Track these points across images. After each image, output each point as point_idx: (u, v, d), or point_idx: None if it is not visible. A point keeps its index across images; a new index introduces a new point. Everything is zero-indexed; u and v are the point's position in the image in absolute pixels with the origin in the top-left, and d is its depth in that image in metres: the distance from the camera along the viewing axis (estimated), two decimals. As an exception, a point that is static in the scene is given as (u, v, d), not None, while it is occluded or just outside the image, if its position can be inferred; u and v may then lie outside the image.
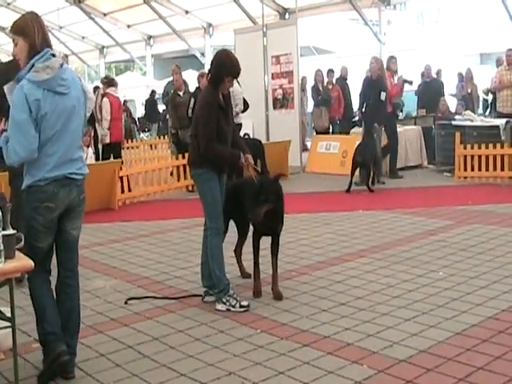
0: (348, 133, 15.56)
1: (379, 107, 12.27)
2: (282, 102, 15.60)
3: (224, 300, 5.53)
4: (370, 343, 4.60)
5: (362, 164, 11.76)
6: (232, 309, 5.46)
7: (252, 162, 5.90)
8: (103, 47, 31.93)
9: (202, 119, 5.53)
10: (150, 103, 24.79)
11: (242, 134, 12.84)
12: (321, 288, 5.97)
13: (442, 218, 8.94)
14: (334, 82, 17.33)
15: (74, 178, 4.25)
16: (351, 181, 11.65)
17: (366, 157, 11.61)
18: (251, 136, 13.64)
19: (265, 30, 15.95)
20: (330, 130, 17.31)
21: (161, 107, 23.90)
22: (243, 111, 12.74)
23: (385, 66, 13.15)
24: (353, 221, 9.02)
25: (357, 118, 17.41)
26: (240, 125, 12.68)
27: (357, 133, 14.94)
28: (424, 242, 7.57)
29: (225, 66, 5.56)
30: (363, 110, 12.88)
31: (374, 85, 12.42)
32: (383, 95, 12.14)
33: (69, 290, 4.41)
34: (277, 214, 5.76)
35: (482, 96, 19.64)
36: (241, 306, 5.47)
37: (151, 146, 18.59)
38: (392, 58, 13.83)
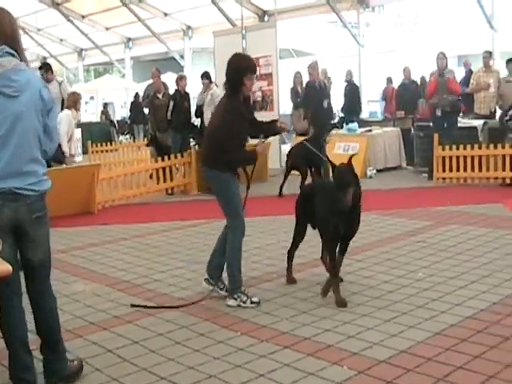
0: (327, 134, 15.56)
1: (322, 114, 12.08)
2: (261, 104, 15.61)
3: (235, 296, 5.61)
4: (351, 344, 4.61)
5: (292, 167, 11.76)
6: (243, 304, 5.56)
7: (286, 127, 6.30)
8: (82, 50, 31.85)
9: (225, 128, 5.54)
10: (136, 105, 24.67)
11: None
12: (301, 290, 5.98)
13: (421, 218, 8.98)
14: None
15: (23, 193, 3.83)
16: (282, 185, 11.58)
17: (297, 160, 11.62)
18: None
19: (244, 32, 15.97)
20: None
21: (146, 109, 23.85)
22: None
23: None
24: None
25: (336, 120, 17.53)
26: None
27: (336, 135, 14.99)
28: (403, 242, 7.60)
29: (240, 67, 5.57)
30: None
31: (315, 90, 12.27)
32: (325, 102, 11.96)
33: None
34: (356, 209, 5.52)
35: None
36: (252, 302, 5.56)
37: (139, 147, 18.44)
38: None
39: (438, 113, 12.80)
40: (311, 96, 13.62)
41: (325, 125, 12.42)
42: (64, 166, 10.71)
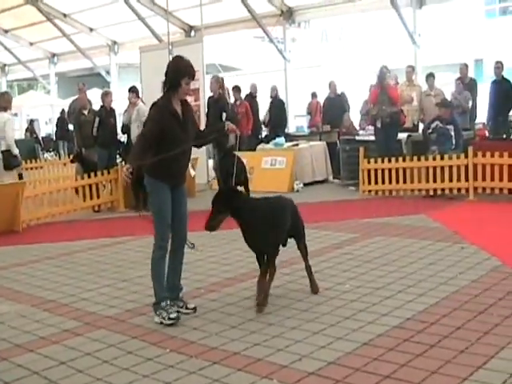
0: (254, 149, 15.64)
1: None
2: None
3: (157, 312, 5.54)
4: (280, 357, 4.63)
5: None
6: (164, 321, 5.47)
7: (234, 128, 6.02)
8: (5, 65, 31.20)
9: (150, 123, 5.53)
10: (61, 122, 24.24)
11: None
12: (229, 305, 5.98)
13: (348, 231, 9.12)
14: (243, 98, 17.38)
15: None
16: None
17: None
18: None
19: (170, 47, 15.93)
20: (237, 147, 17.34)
21: (71, 126, 23.49)
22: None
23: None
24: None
25: (264, 135, 17.65)
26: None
27: (263, 149, 15.12)
28: (330, 255, 7.70)
29: (179, 69, 5.56)
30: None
31: (215, 104, 12.22)
32: (224, 115, 11.86)
33: None
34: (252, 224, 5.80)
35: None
36: (169, 319, 5.46)
37: (64, 164, 18.13)
38: None
39: (378, 124, 13.02)
40: (209, 108, 13.74)
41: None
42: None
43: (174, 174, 5.62)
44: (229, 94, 15.39)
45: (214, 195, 5.68)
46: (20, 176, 11.87)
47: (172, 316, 5.47)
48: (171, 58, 5.87)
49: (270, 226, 5.71)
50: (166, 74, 5.60)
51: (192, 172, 12.78)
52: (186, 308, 5.74)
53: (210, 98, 13.32)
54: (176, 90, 5.53)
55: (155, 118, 5.46)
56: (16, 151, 10.95)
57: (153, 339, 5.18)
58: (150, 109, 5.67)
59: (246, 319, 5.52)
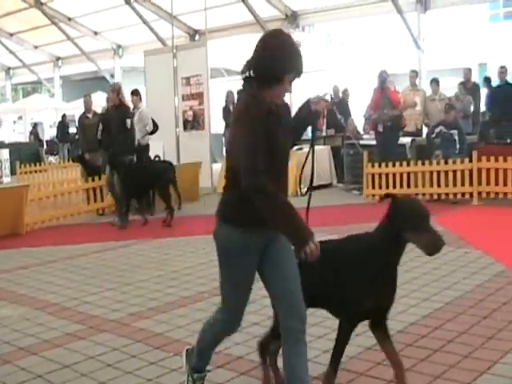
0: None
1: (125, 135, 11.38)
2: (192, 123, 15.60)
3: (188, 373, 4.11)
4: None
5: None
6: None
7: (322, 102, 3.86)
8: (9, 68, 31.28)
9: (242, 142, 3.38)
10: (62, 125, 24.34)
11: (152, 156, 12.78)
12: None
13: (352, 235, 9.07)
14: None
15: None
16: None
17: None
18: (162, 158, 13.57)
19: (175, 51, 15.98)
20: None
21: (71, 129, 23.56)
22: (152, 133, 12.70)
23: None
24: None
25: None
26: (147, 146, 12.60)
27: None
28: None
29: (287, 59, 3.45)
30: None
31: (116, 112, 11.73)
32: (128, 122, 11.53)
33: None
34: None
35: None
36: None
37: (65, 167, 18.17)
38: None
39: (380, 128, 13.02)
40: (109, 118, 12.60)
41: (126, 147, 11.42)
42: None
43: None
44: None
45: None
46: None
47: None
48: (270, 34, 3.62)
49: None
50: (261, 58, 3.48)
51: None
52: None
53: (110, 107, 12.48)
54: (271, 87, 3.47)
55: (257, 135, 3.34)
56: None
57: (156, 343, 5.17)
58: (235, 108, 3.66)
59: (250, 323, 5.48)
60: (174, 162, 13.71)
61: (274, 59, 3.43)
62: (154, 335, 5.38)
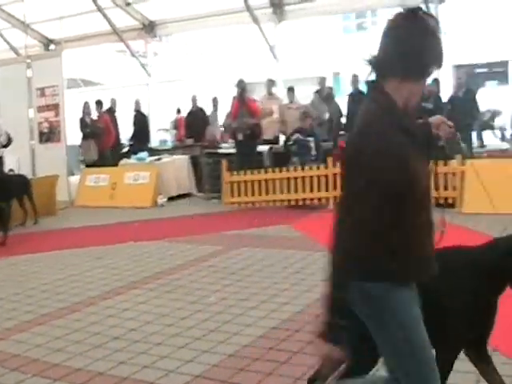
0: (117, 165, 15.47)
1: None
2: (48, 135, 15.19)
3: None
4: (146, 375, 4.57)
5: None
6: None
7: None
8: None
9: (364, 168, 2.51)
10: None
11: (6, 169, 12.34)
12: (93, 324, 5.84)
13: (212, 243, 9.16)
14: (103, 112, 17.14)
15: None
16: None
17: None
18: (16, 171, 13.11)
19: (29, 61, 15.51)
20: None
21: None
22: (5, 146, 12.24)
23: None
24: (124, 253, 8.97)
25: (126, 150, 17.52)
26: (1, 159, 12.13)
27: (126, 164, 15.01)
28: (195, 268, 7.71)
29: (425, 48, 2.52)
30: None
31: None
32: None
33: None
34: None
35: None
36: None
37: None
38: None
39: (240, 137, 13.18)
40: None
41: None
42: None
43: (429, 255, 2.66)
44: None
45: None
46: None
47: None
48: (411, 21, 2.52)
49: None
50: (400, 42, 2.52)
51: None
52: None
53: None
54: (406, 87, 2.54)
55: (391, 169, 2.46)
56: None
57: (13, 364, 4.96)
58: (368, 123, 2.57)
59: (111, 337, 5.43)
60: (30, 176, 13.27)
61: (426, 47, 2.53)
62: (10, 356, 5.15)
